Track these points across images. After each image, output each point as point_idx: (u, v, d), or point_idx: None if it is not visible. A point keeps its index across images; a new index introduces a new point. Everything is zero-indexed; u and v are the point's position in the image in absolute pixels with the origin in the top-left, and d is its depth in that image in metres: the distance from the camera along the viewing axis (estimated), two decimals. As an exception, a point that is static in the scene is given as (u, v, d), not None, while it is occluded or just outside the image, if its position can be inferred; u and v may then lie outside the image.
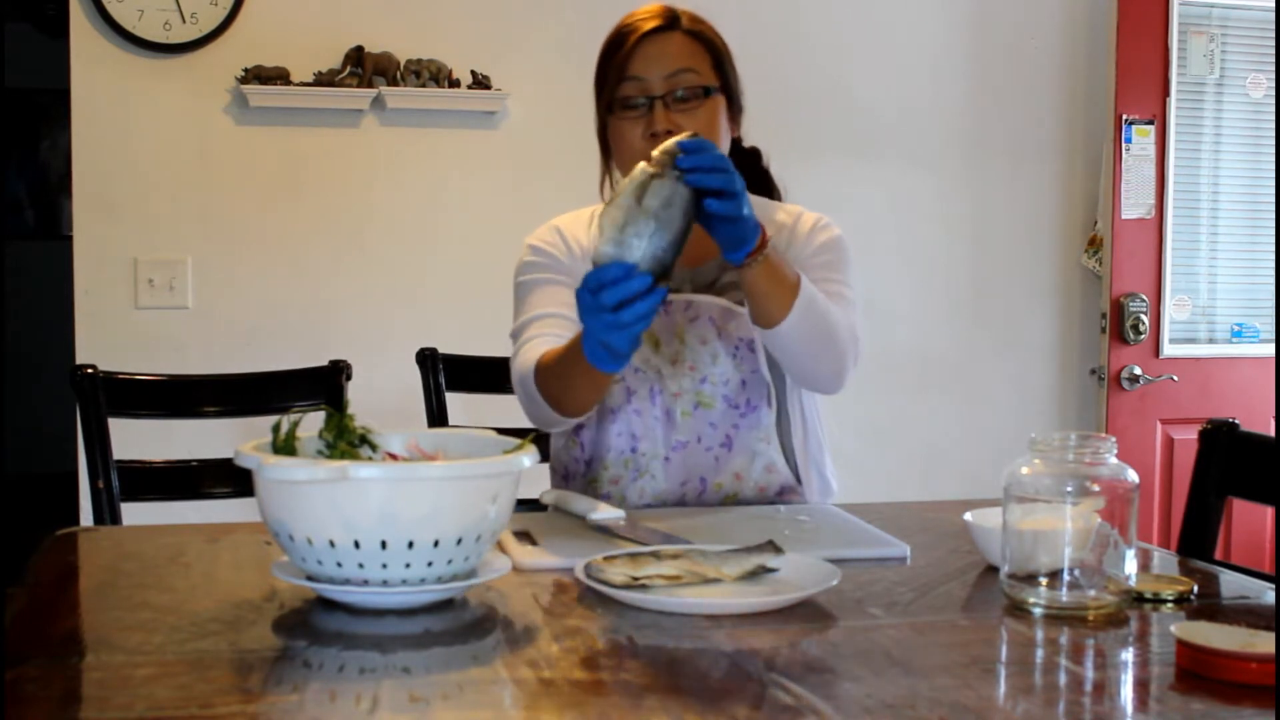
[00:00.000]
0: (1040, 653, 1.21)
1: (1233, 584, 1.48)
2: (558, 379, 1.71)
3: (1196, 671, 1.09)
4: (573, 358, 1.65)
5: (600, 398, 1.74)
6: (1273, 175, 3.63)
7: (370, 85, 3.21)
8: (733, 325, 1.84)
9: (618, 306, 1.44)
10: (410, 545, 1.22)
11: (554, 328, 1.82)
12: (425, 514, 1.22)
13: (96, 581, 1.47)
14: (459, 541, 1.24)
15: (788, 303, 1.66)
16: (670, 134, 1.76)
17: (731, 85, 1.88)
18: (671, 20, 1.85)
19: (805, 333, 1.69)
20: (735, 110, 1.89)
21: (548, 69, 3.36)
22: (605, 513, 1.60)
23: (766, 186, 2.02)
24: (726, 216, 1.52)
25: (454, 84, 3.27)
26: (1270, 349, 3.63)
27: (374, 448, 1.39)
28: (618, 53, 1.82)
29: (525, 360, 1.79)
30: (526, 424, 1.82)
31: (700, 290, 1.87)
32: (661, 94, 1.80)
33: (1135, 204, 3.53)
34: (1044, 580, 1.31)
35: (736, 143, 1.95)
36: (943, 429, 3.68)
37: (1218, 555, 1.78)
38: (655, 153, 1.48)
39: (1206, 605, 1.36)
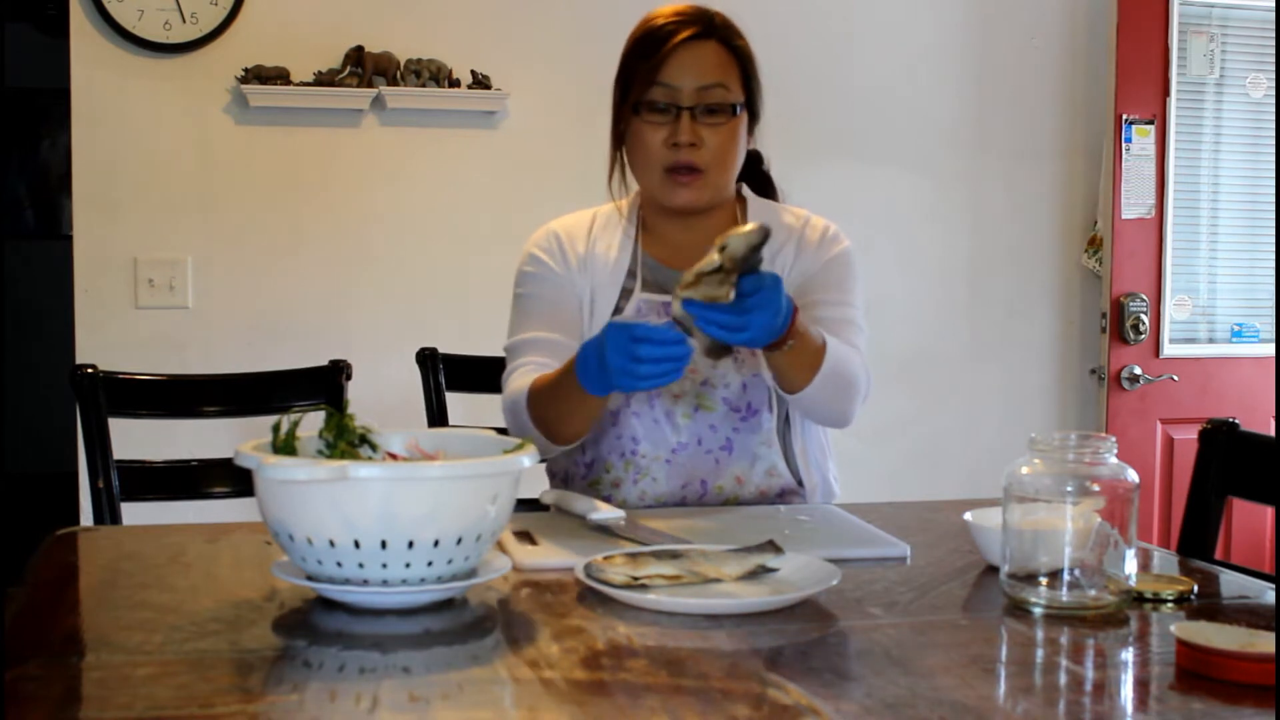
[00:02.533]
0: (1040, 653, 1.21)
1: (1233, 584, 1.49)
2: (552, 404, 1.72)
3: (1196, 671, 1.09)
4: (566, 382, 1.66)
5: (590, 426, 1.74)
6: (1273, 175, 3.63)
7: (370, 85, 3.21)
8: None
9: (644, 361, 1.48)
10: (410, 545, 1.22)
11: (545, 354, 1.83)
12: (425, 514, 1.22)
13: (96, 581, 1.47)
14: (459, 541, 1.24)
15: (810, 375, 1.68)
16: (694, 146, 1.79)
17: (755, 100, 1.86)
18: (707, 27, 1.82)
19: (824, 393, 1.72)
20: (754, 122, 1.88)
21: (548, 69, 3.36)
22: (605, 513, 1.60)
23: (766, 190, 2.01)
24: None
25: (454, 84, 3.27)
26: (1270, 349, 3.63)
27: (374, 447, 1.39)
28: (652, 54, 1.79)
29: (516, 387, 1.79)
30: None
31: None
32: (690, 105, 1.78)
33: (1135, 204, 3.52)
34: (1044, 580, 1.31)
35: None
36: (943, 429, 3.68)
37: (1218, 555, 1.78)
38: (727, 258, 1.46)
39: (1206, 605, 1.36)
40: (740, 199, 1.96)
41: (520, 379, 1.80)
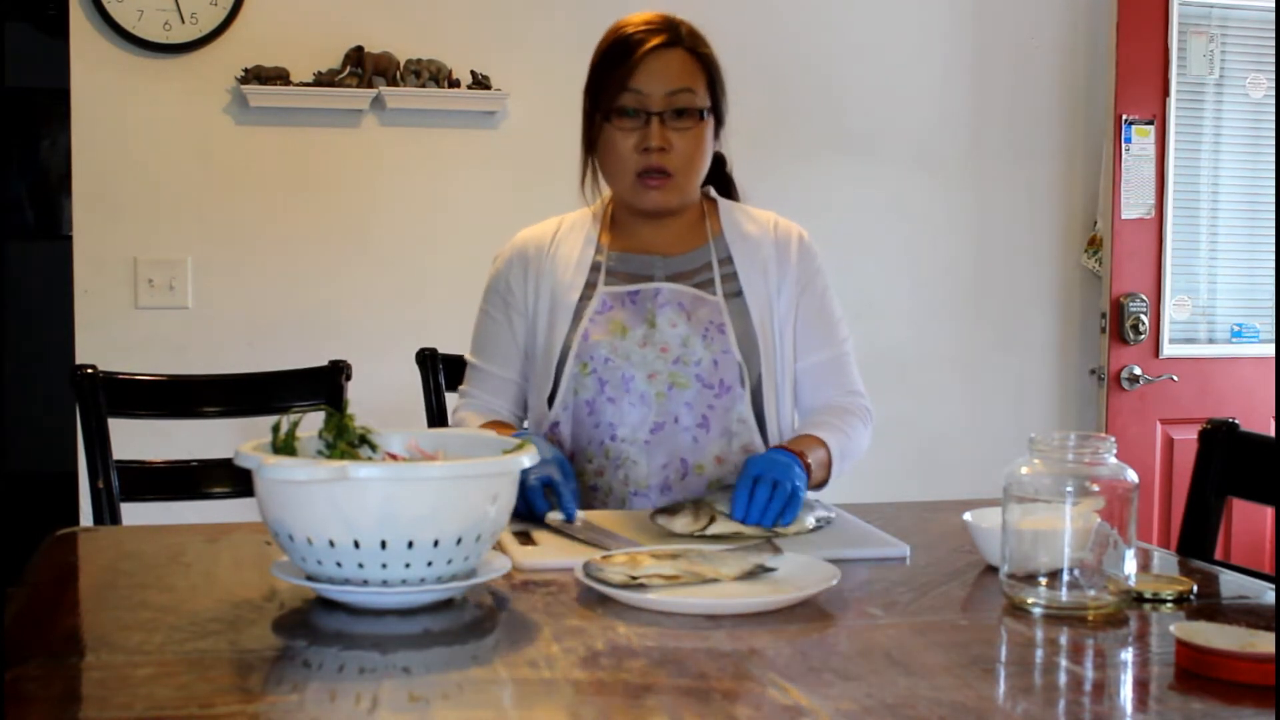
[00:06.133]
0: (1040, 653, 1.21)
1: (1232, 584, 1.49)
2: None
3: (1196, 671, 1.09)
4: None
5: None
6: (1273, 175, 3.63)
7: (370, 85, 3.21)
8: (703, 311, 1.89)
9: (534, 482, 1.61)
10: (410, 545, 1.22)
11: (488, 391, 1.98)
12: (425, 514, 1.22)
13: (96, 581, 1.47)
14: (459, 541, 1.24)
15: (826, 477, 1.85)
16: (663, 150, 1.86)
17: (721, 106, 1.94)
18: (674, 36, 1.89)
19: (840, 476, 1.90)
20: (719, 127, 1.95)
21: (548, 69, 3.35)
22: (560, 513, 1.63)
23: (727, 191, 2.07)
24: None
25: (454, 84, 3.27)
26: (1270, 349, 3.63)
27: (374, 448, 1.39)
28: (621, 63, 1.86)
29: (458, 420, 1.97)
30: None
31: (671, 280, 1.92)
32: (659, 110, 1.85)
33: (1135, 204, 3.52)
34: (1044, 580, 1.31)
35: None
36: (943, 429, 3.67)
37: (1218, 555, 1.78)
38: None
39: (1206, 605, 1.36)
40: (709, 201, 2.02)
41: (460, 413, 1.97)
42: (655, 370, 1.86)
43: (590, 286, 1.92)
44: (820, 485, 1.85)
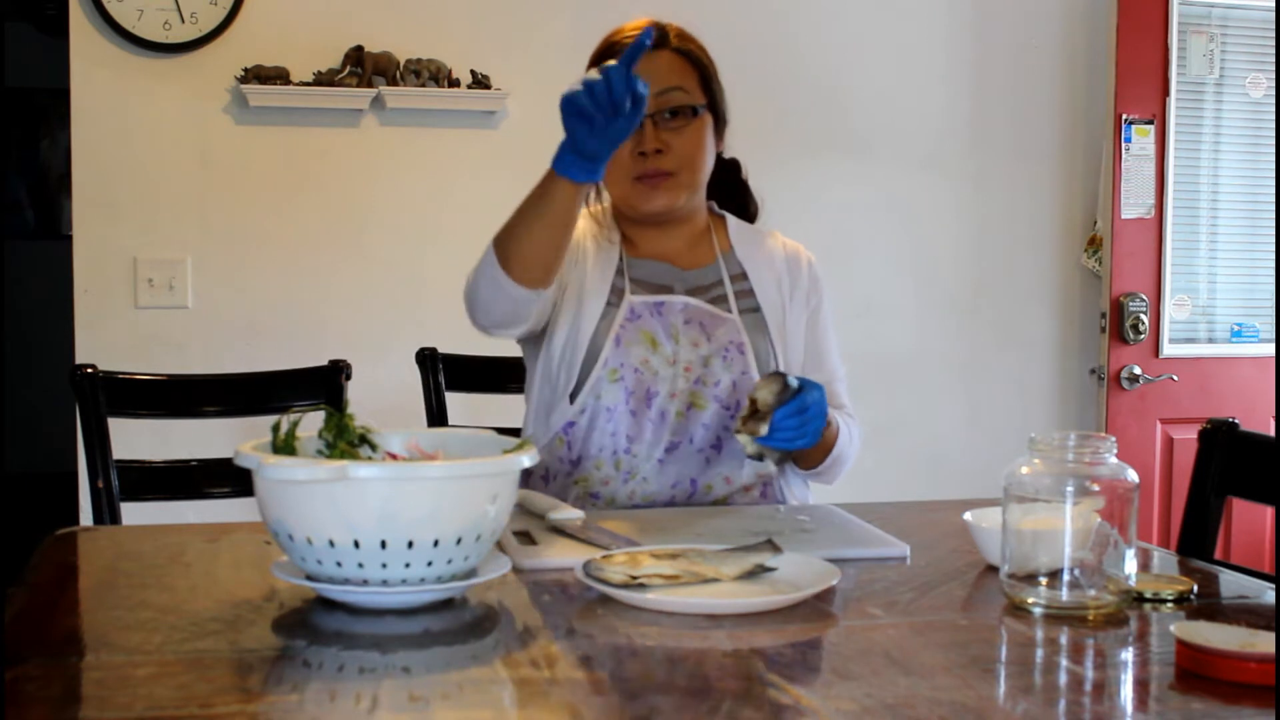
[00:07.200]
0: (1040, 653, 1.21)
1: (1232, 584, 1.49)
2: (521, 220, 1.71)
3: (1196, 671, 1.09)
4: (539, 188, 1.72)
5: (558, 250, 1.70)
6: (1273, 175, 3.63)
7: (370, 85, 3.21)
8: (722, 330, 1.87)
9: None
10: (410, 545, 1.22)
11: None
12: (425, 514, 1.22)
13: (96, 581, 1.47)
14: (459, 541, 1.24)
15: (823, 458, 1.86)
16: (660, 152, 1.83)
17: (718, 102, 1.91)
18: (661, 38, 1.87)
19: (828, 471, 1.91)
20: (720, 126, 1.93)
21: (548, 69, 3.35)
22: (564, 513, 1.61)
23: (743, 198, 2.06)
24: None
25: (454, 84, 3.27)
26: (1270, 349, 3.63)
27: (374, 447, 1.39)
28: None
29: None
30: (526, 424, 1.82)
31: (691, 294, 1.90)
32: (651, 112, 1.82)
33: (1135, 204, 3.52)
34: (1044, 580, 1.31)
35: (718, 155, 1.97)
36: (943, 429, 3.67)
37: (1218, 555, 1.78)
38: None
39: (1206, 605, 1.36)
40: (717, 217, 2.00)
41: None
42: (676, 390, 1.84)
43: (616, 292, 1.88)
44: (813, 466, 1.86)
